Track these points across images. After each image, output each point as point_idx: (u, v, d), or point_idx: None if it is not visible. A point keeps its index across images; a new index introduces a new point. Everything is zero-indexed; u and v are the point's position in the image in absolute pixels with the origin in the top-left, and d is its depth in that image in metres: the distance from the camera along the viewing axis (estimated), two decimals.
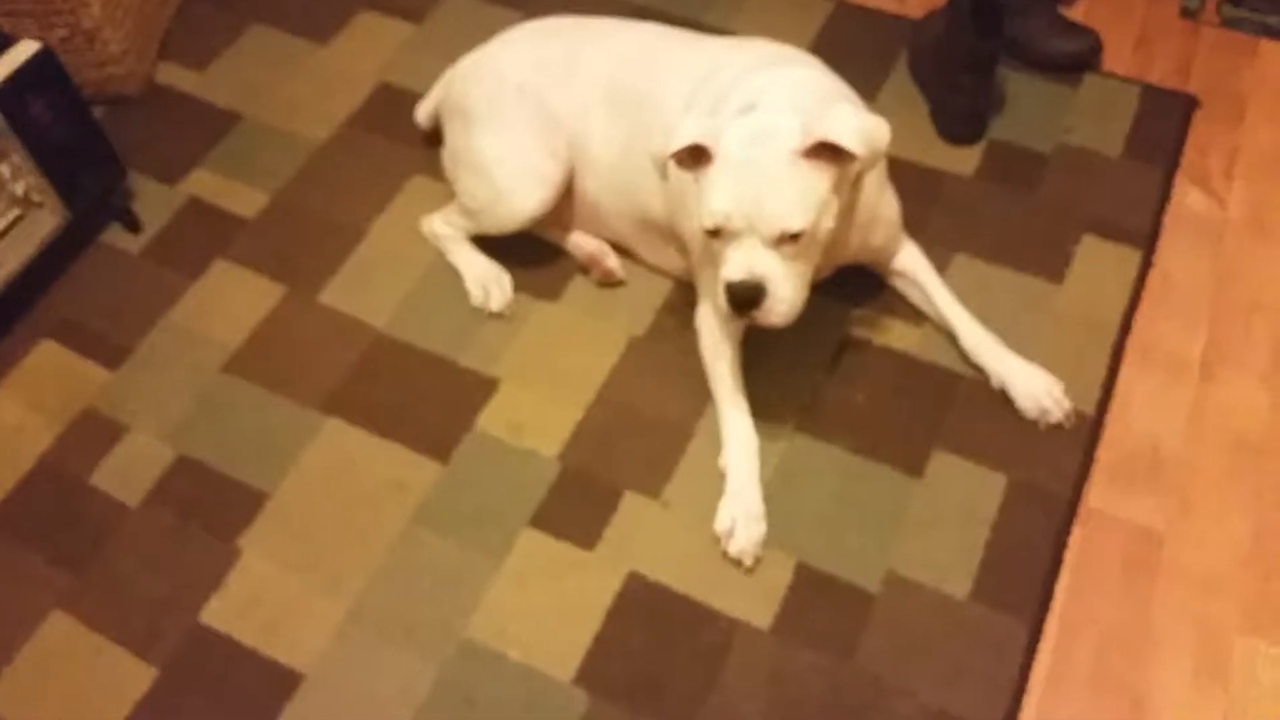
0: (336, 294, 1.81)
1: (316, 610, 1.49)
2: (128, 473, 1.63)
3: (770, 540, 1.52)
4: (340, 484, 1.61)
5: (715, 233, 1.38)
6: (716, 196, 1.36)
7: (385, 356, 1.74)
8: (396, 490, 1.59)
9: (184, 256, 1.87)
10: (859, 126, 1.34)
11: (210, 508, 1.59)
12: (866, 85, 1.94)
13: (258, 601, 1.50)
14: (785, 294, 1.39)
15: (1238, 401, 1.65)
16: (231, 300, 1.81)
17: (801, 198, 1.34)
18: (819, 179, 1.36)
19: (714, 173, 1.37)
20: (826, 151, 1.35)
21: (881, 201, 1.61)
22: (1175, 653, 1.43)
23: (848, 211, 1.47)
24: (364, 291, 1.81)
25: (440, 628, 1.47)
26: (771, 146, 1.35)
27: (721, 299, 1.40)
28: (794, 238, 1.35)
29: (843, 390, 1.66)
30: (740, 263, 1.37)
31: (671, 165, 1.42)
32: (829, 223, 1.40)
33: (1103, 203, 1.86)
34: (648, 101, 1.62)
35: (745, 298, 1.38)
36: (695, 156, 1.40)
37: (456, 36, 2.09)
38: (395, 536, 1.55)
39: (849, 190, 1.45)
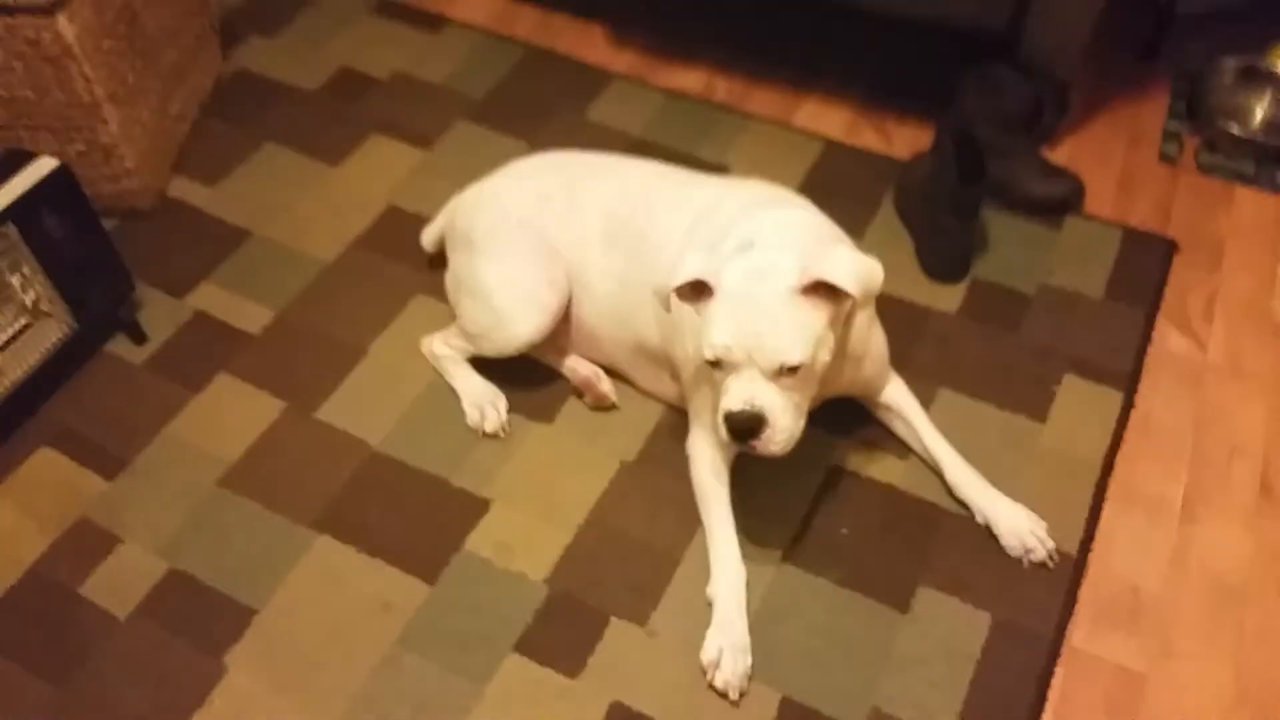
0: (334, 411, 1.84)
1: None
2: (118, 584, 1.63)
3: (755, 673, 1.52)
4: (328, 603, 1.61)
5: (716, 364, 1.43)
6: (718, 330, 1.41)
7: (379, 474, 1.76)
8: (383, 610, 1.60)
9: (187, 369, 1.90)
10: (854, 268, 1.40)
11: (199, 622, 1.59)
12: (854, 222, 2.02)
13: None
14: (784, 424, 1.42)
15: (1219, 544, 1.67)
16: (231, 415, 1.84)
17: (799, 332, 1.39)
18: (816, 315, 1.41)
19: (715, 307, 1.42)
20: (823, 290, 1.40)
21: (870, 337, 1.65)
22: None
23: (840, 346, 1.51)
24: (361, 409, 1.84)
25: None
26: (771, 284, 1.40)
27: (722, 429, 1.44)
28: (792, 370, 1.39)
29: (830, 522, 1.68)
30: (740, 393, 1.41)
31: (674, 298, 1.47)
32: (825, 356, 1.44)
33: (1085, 343, 1.91)
34: (646, 237, 1.68)
35: (745, 427, 1.41)
36: (697, 291, 1.45)
37: (464, 162, 2.17)
38: (379, 659, 1.55)
39: (842, 326, 1.50)
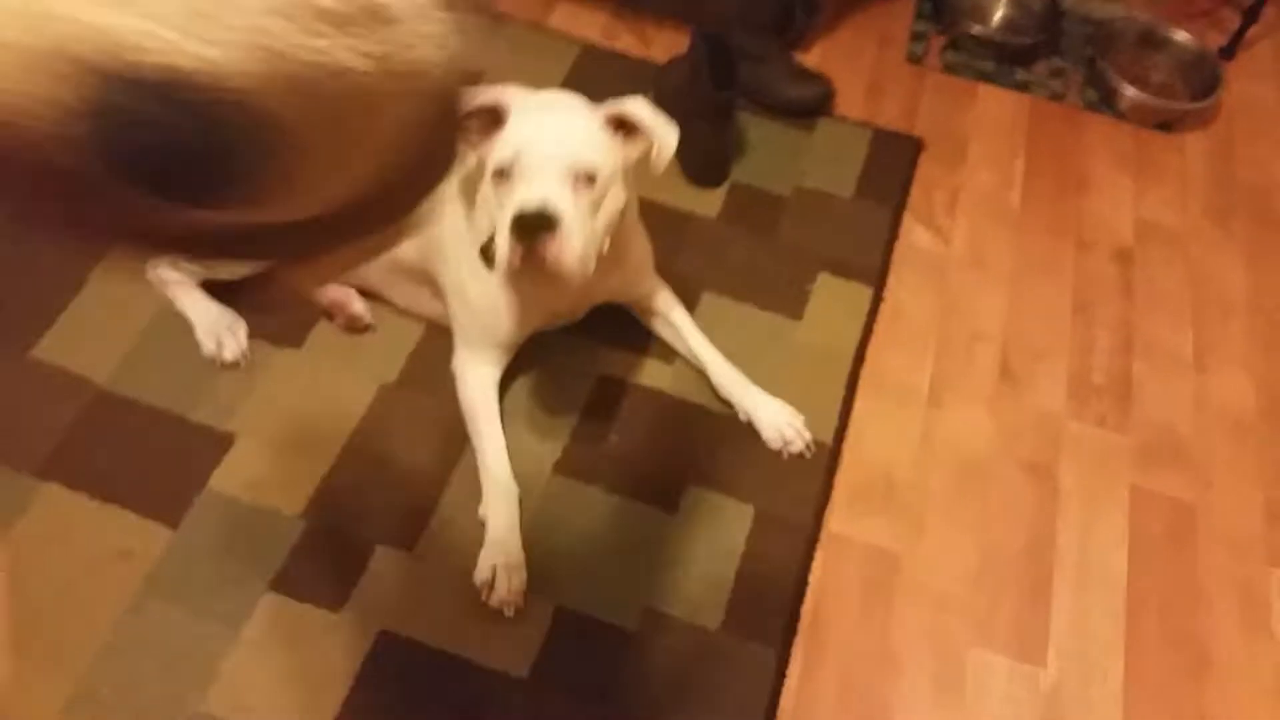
0: (52, 348, 1.67)
1: (37, 694, 1.36)
2: None
3: (529, 587, 1.50)
4: (60, 555, 1.48)
5: (502, 173, 1.35)
6: (513, 132, 1.36)
7: (108, 415, 1.61)
8: (123, 559, 1.48)
9: None
10: (654, 115, 1.42)
11: None
12: None
13: None
14: (578, 231, 1.34)
15: (963, 426, 1.76)
16: None
17: (599, 143, 1.38)
18: (614, 144, 1.41)
19: (511, 122, 1.37)
20: (622, 130, 1.42)
21: (635, 237, 1.63)
22: (915, 669, 1.50)
23: (613, 229, 1.47)
24: (83, 344, 1.68)
25: (173, 703, 1.37)
26: (570, 104, 1.42)
27: (505, 237, 1.34)
28: (590, 181, 1.35)
29: (598, 430, 1.67)
30: (535, 192, 1.33)
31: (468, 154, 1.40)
32: (620, 197, 1.42)
33: (837, 242, 1.96)
34: None
35: (536, 224, 1.31)
36: (487, 127, 1.39)
37: None
38: (122, 610, 1.44)
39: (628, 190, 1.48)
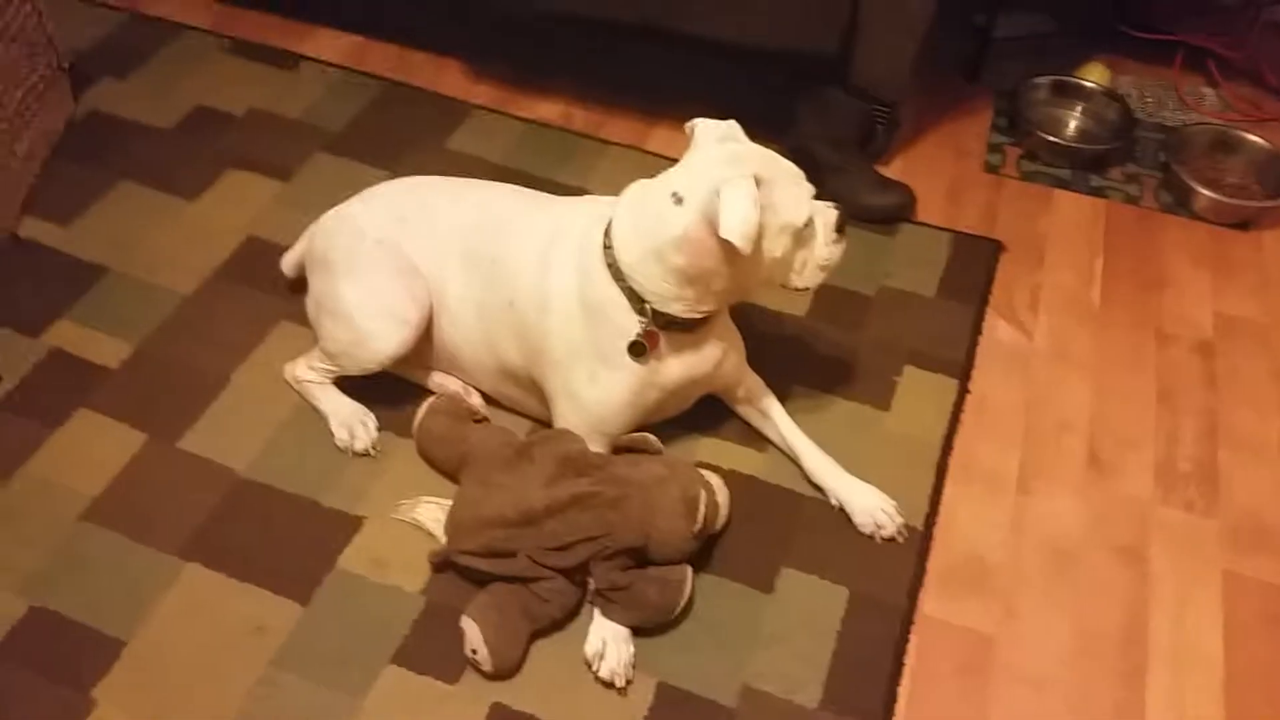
0: (198, 440, 1.83)
1: None
2: None
3: (633, 662, 1.56)
4: (199, 629, 1.60)
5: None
6: (802, 189, 1.60)
7: (246, 500, 1.75)
8: (256, 633, 1.59)
9: (44, 407, 1.86)
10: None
11: (65, 659, 1.55)
12: None
13: None
14: None
15: (1052, 511, 1.80)
16: (91, 449, 1.81)
17: None
18: None
19: (771, 188, 1.53)
20: None
21: (732, 327, 1.76)
22: None
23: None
24: (226, 437, 1.83)
25: None
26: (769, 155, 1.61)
27: (832, 233, 1.63)
28: None
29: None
30: (816, 199, 1.61)
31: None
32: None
33: (921, 337, 2.05)
34: (500, 263, 1.71)
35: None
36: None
37: (324, 193, 2.17)
38: (254, 681, 1.54)
39: None
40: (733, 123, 1.63)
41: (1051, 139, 2.46)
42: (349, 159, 2.37)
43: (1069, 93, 2.60)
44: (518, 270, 1.69)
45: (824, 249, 1.63)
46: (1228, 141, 2.47)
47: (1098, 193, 2.41)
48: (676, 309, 1.58)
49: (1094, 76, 2.62)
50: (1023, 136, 2.51)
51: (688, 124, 1.63)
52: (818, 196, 1.62)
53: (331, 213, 1.91)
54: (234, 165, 2.34)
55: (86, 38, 2.63)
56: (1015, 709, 1.56)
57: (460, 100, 2.55)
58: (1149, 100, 2.66)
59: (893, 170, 2.42)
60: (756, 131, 1.65)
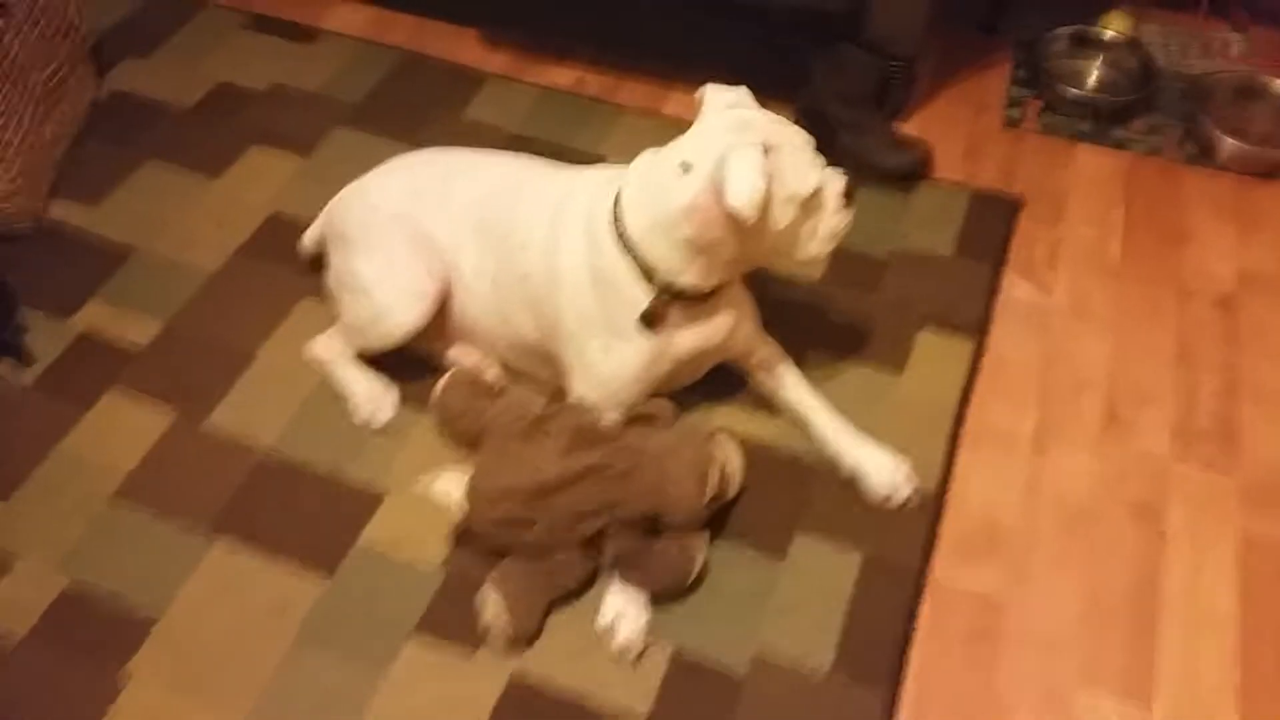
0: (225, 417, 1.88)
1: None
2: (15, 603, 1.65)
3: (647, 631, 1.60)
4: (228, 604, 1.65)
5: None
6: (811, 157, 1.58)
7: (271, 476, 1.80)
8: (282, 608, 1.64)
9: (76, 387, 1.92)
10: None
11: (98, 634, 1.62)
12: None
13: None
14: None
15: (1068, 471, 1.80)
16: (123, 427, 1.86)
17: None
18: None
19: (779, 155, 1.52)
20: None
21: (745, 294, 1.77)
22: (1022, 712, 1.53)
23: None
24: (252, 413, 1.88)
25: None
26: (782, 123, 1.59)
27: (836, 217, 1.63)
28: None
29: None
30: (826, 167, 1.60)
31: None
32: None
33: (938, 298, 2.04)
34: (509, 237, 1.72)
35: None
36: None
37: (343, 167, 2.19)
38: (281, 655, 1.59)
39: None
40: (742, 89, 1.62)
41: (1072, 91, 2.42)
42: (367, 132, 2.39)
43: (1089, 43, 2.55)
44: (527, 242, 1.70)
45: (833, 217, 1.62)
46: (1254, 88, 2.41)
47: (1120, 145, 2.36)
48: (686, 280, 1.59)
49: (1116, 25, 2.56)
50: (1043, 89, 2.46)
51: (697, 91, 1.62)
52: (831, 158, 1.61)
53: (348, 188, 1.93)
54: (256, 141, 2.37)
55: (109, 17, 2.67)
56: (1025, 672, 1.57)
57: (476, 69, 2.55)
58: (1172, 49, 2.60)
59: (910, 127, 2.39)
60: (771, 94, 1.64)
